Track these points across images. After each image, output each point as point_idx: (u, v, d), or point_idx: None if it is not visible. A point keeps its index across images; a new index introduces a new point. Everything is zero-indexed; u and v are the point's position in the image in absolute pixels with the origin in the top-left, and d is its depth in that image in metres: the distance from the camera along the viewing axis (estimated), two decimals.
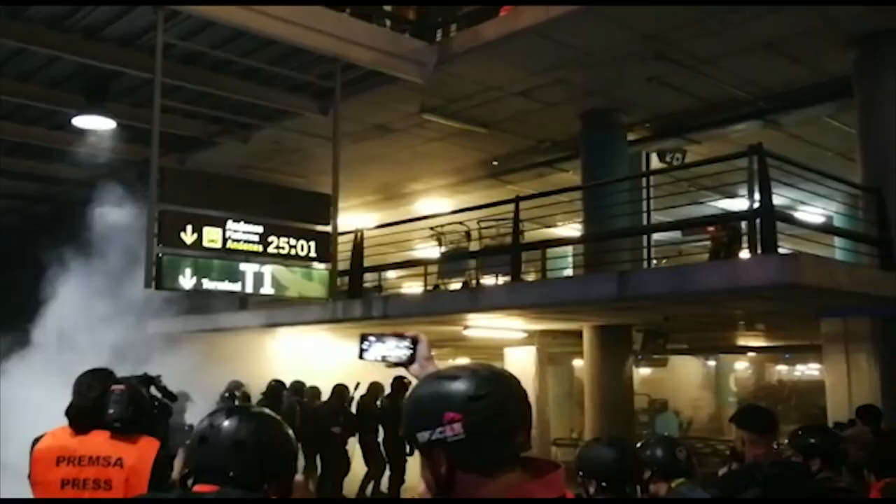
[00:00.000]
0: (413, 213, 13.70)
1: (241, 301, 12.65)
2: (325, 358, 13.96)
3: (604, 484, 3.14)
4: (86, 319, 11.30)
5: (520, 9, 9.18)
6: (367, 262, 11.75)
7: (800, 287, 6.82)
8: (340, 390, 11.15)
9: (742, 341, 15.62)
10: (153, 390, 3.63)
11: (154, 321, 13.99)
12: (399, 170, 14.53)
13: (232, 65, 10.07)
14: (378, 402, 11.16)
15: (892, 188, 8.48)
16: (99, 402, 3.33)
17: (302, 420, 10.27)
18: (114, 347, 11.68)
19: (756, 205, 7.28)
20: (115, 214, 10.75)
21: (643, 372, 18.57)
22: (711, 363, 20.30)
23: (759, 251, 7.18)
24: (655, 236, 11.68)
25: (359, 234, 11.13)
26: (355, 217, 14.40)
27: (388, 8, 10.42)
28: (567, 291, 8.45)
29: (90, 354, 11.19)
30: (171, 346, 14.23)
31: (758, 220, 7.24)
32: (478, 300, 9.20)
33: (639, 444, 3.71)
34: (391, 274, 14.18)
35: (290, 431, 2.11)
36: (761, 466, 3.52)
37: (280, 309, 11.76)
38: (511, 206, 9.72)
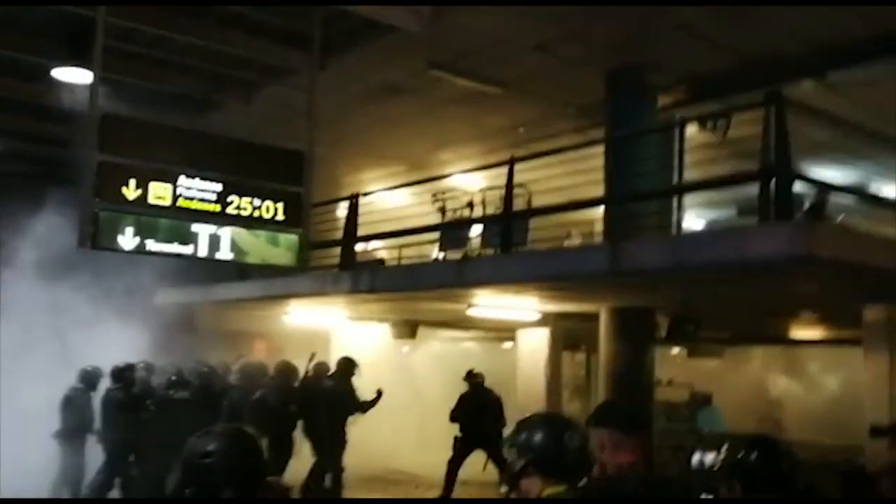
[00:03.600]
0: (440, 187, 12.69)
1: (240, 272, 11.94)
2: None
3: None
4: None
5: None
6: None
7: (817, 262, 5.59)
8: (286, 368, 10.23)
9: (796, 332, 14.08)
10: None
11: (162, 291, 13.51)
12: (420, 137, 13.55)
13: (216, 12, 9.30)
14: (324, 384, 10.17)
15: None
16: None
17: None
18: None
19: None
20: None
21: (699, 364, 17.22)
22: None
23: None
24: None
25: (354, 201, 10.22)
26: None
27: None
28: (556, 265, 7.36)
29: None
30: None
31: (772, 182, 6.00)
32: (464, 274, 8.19)
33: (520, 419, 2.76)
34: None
35: None
36: (627, 481, 2.56)
37: (274, 281, 10.98)
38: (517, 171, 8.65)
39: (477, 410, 10.64)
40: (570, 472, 2.56)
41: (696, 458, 2.98)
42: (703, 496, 2.78)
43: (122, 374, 9.48)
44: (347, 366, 10.02)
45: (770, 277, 6.71)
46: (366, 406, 10.11)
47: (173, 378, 9.34)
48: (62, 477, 9.52)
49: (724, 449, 2.80)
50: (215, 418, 9.47)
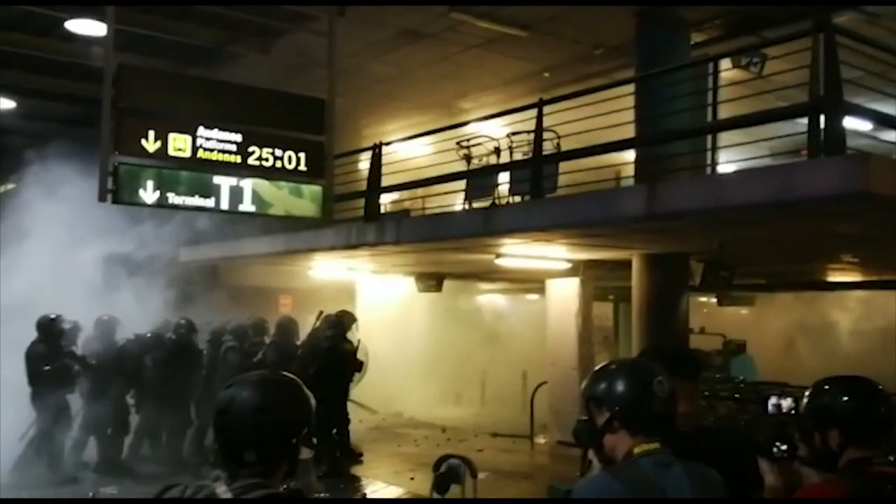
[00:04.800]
0: (464, 134, 12.35)
1: (265, 227, 11.75)
2: None
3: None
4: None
5: None
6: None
7: (871, 198, 5.27)
8: (287, 325, 9.89)
9: (836, 276, 13.73)
10: None
11: (186, 249, 13.40)
12: (442, 85, 13.21)
13: None
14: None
15: None
16: None
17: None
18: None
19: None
20: None
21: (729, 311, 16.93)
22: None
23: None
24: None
25: (377, 150, 9.94)
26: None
27: None
28: (590, 210, 7.08)
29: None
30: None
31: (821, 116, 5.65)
32: (492, 222, 7.94)
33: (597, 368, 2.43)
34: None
35: None
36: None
37: (298, 234, 10.79)
38: (544, 115, 8.32)
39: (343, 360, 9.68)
40: (661, 425, 2.25)
41: (771, 403, 2.70)
42: (777, 446, 2.52)
43: (46, 327, 8.82)
44: (342, 320, 9.70)
45: (817, 217, 6.40)
46: (356, 364, 9.71)
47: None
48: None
49: (807, 392, 2.52)
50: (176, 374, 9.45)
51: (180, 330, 9.77)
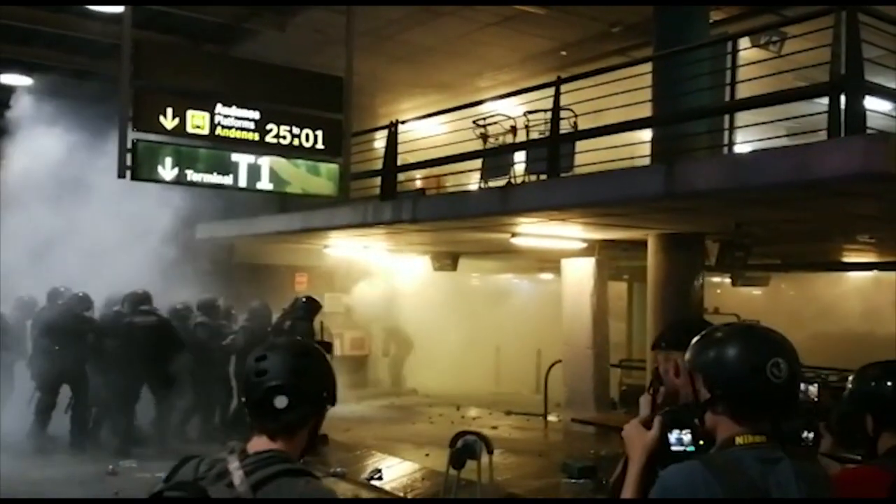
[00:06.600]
0: (481, 112, 12.28)
1: (281, 204, 11.78)
2: None
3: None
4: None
5: None
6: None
7: (892, 178, 5.25)
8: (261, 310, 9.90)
9: (851, 257, 13.66)
10: None
11: (202, 226, 13.44)
12: (459, 63, 13.17)
13: None
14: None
15: None
16: None
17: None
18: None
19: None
20: None
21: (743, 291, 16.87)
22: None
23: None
24: None
25: (393, 129, 9.93)
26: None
27: None
28: (606, 189, 7.08)
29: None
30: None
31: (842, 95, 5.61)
32: (508, 201, 7.94)
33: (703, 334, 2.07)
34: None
35: None
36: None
37: (314, 212, 10.82)
38: (558, 94, 8.29)
39: None
40: (772, 415, 1.92)
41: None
42: (805, 434, 2.44)
43: None
44: (308, 306, 9.62)
45: (837, 196, 6.37)
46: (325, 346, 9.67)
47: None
48: None
49: (852, 379, 2.41)
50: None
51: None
